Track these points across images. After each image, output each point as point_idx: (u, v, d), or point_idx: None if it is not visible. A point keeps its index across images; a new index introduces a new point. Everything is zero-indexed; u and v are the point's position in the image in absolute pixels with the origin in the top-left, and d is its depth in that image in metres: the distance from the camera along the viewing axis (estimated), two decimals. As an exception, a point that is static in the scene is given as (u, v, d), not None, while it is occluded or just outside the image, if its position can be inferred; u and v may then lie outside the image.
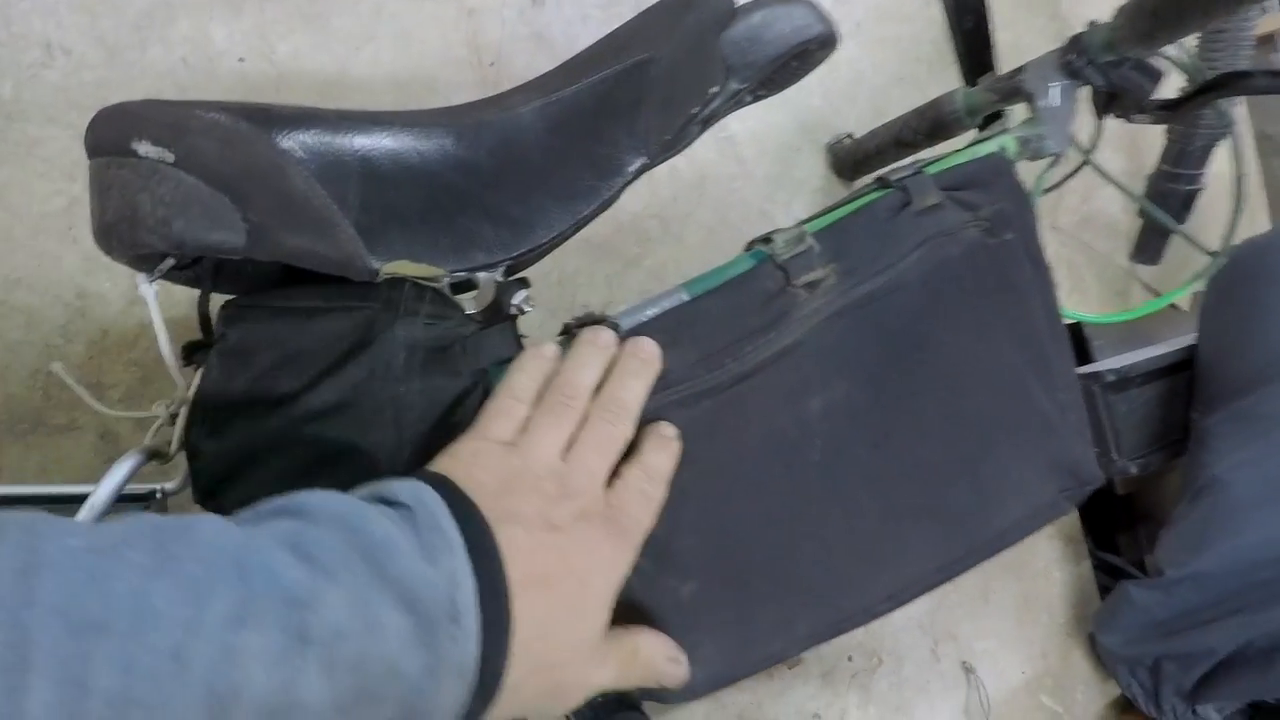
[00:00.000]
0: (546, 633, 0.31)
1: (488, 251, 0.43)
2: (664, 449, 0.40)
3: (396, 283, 0.42)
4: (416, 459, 0.40)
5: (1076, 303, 1.07)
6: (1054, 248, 1.05)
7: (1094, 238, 1.08)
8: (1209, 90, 0.60)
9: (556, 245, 0.47)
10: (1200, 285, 0.81)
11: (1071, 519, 1.04)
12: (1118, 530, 1.14)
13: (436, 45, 0.69)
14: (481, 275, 0.44)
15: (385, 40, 0.67)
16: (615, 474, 0.38)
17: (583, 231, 0.51)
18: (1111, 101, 0.66)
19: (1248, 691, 0.81)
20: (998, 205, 0.54)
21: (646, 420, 0.42)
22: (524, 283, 0.46)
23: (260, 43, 0.63)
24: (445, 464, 0.35)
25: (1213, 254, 0.81)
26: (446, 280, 0.42)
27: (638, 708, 0.48)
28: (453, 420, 0.42)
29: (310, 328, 0.41)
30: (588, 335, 0.41)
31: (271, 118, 0.37)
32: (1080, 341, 1.08)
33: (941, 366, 0.50)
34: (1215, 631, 0.81)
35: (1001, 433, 0.52)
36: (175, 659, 0.21)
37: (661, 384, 0.43)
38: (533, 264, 0.47)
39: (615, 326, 0.44)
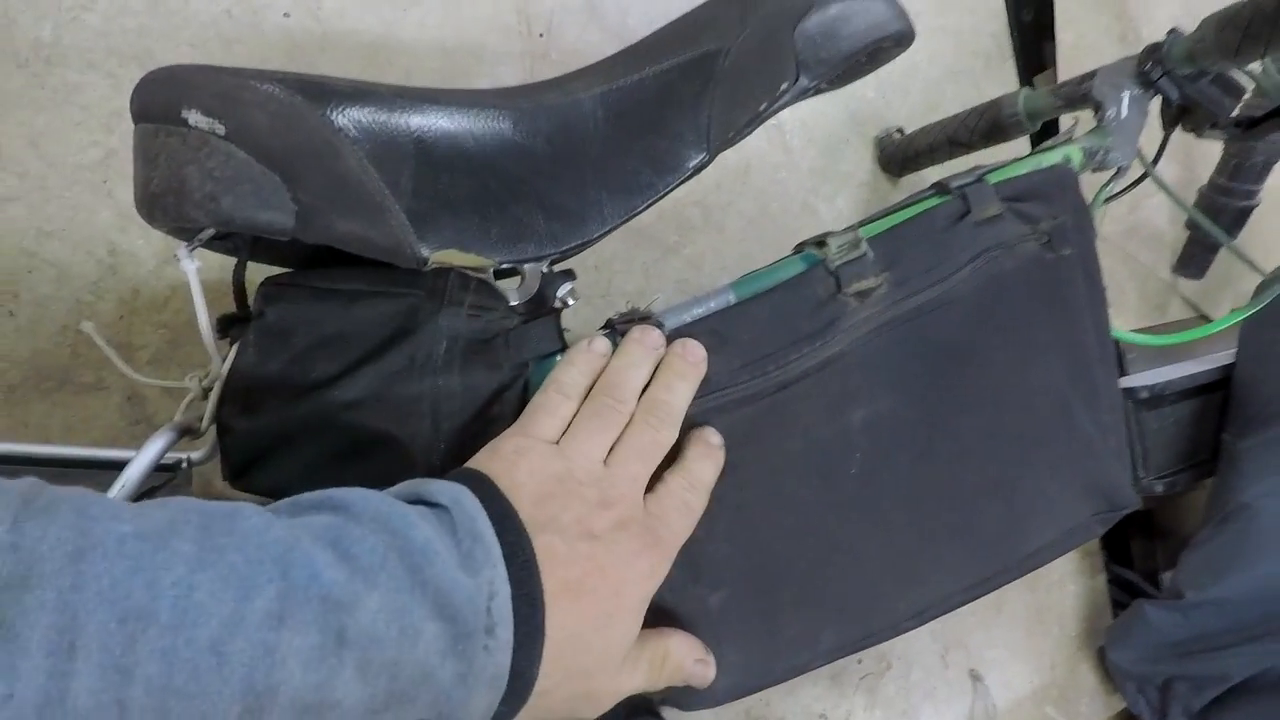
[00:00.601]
0: (579, 642, 0.31)
1: (538, 244, 0.41)
2: (708, 457, 0.40)
3: (442, 271, 0.41)
4: (452, 452, 0.40)
5: (1115, 313, 1.04)
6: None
7: (1138, 248, 1.05)
8: (1293, 112, 0.57)
9: (604, 238, 0.45)
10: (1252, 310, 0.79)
11: (1090, 532, 1.03)
12: (1135, 544, 1.13)
13: (486, 11, 0.67)
14: (528, 266, 0.43)
15: (434, 3, 0.64)
16: (657, 478, 0.38)
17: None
18: (1184, 115, 0.63)
19: (1259, 717, 0.81)
20: (1059, 219, 0.52)
21: (688, 425, 0.41)
22: (570, 274, 0.44)
23: (306, -1, 0.61)
24: (487, 461, 0.34)
25: (1269, 279, 0.79)
26: (492, 269, 0.41)
27: (655, 712, 0.48)
28: (490, 414, 0.41)
29: (351, 312, 0.40)
30: (637, 334, 0.40)
31: (327, 92, 0.35)
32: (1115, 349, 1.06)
33: (987, 384, 0.49)
34: (1232, 657, 0.81)
35: (1041, 453, 0.51)
36: (215, 653, 0.22)
37: (704, 388, 0.42)
38: (577, 255, 0.46)
39: (660, 325, 0.42)
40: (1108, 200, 0.81)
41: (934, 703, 0.85)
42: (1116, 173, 0.65)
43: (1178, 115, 0.64)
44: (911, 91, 0.91)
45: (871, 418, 0.47)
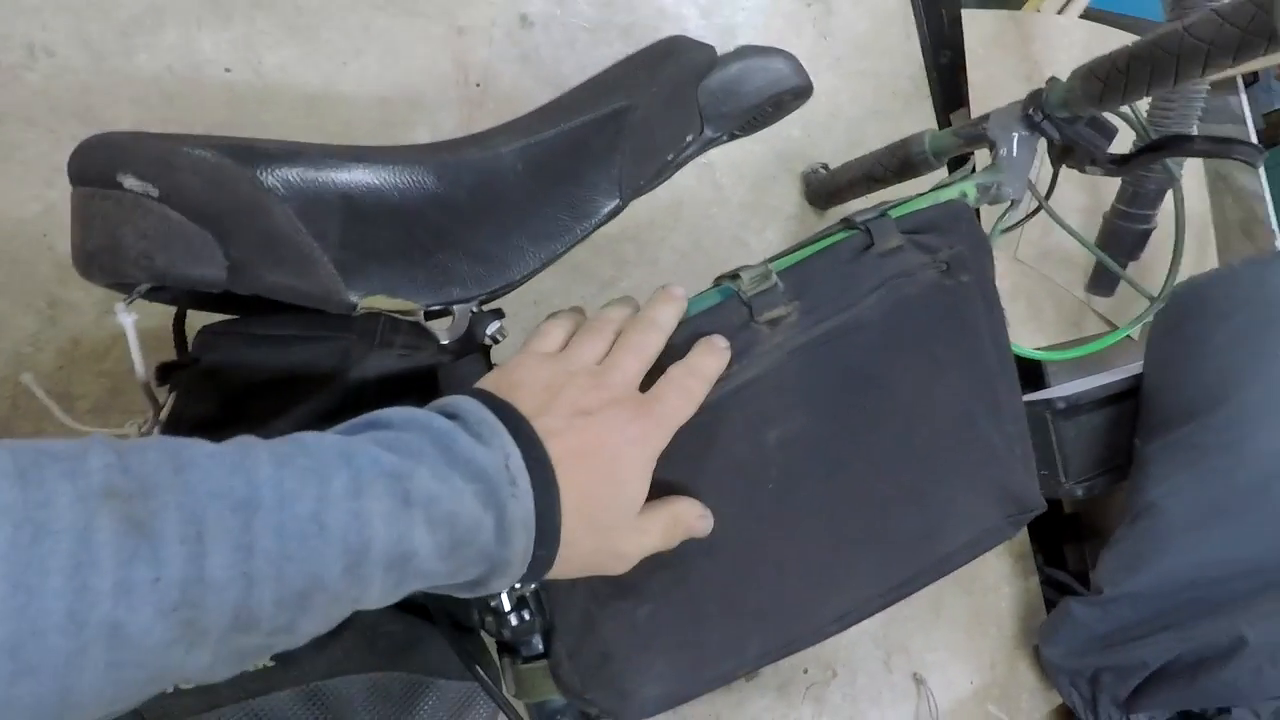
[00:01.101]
0: (591, 497, 0.36)
1: (464, 287, 0.44)
2: (711, 353, 0.44)
3: (373, 314, 0.43)
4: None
5: (1034, 330, 1.11)
6: (1014, 278, 1.09)
7: (1053, 269, 1.12)
8: (1154, 150, 0.63)
9: (529, 279, 0.48)
10: (1142, 326, 0.85)
11: (1021, 537, 1.08)
12: (1065, 545, 1.19)
13: (423, 63, 0.70)
14: (457, 307, 0.45)
15: (373, 56, 0.68)
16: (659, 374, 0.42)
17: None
18: (1066, 153, 0.69)
19: (1176, 702, 0.86)
20: (956, 249, 0.57)
21: None
22: (498, 313, 0.47)
23: (248, 53, 0.63)
24: (490, 376, 0.40)
25: (1152, 299, 0.85)
26: (421, 311, 0.44)
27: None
28: None
29: (285, 355, 0.42)
30: (616, 300, 0.45)
31: (256, 155, 0.38)
32: (1036, 368, 1.12)
33: (895, 401, 0.52)
34: (1148, 646, 0.86)
35: (950, 464, 0.55)
36: (316, 522, 0.26)
37: None
38: (505, 295, 0.49)
39: None
40: (1005, 230, 0.87)
41: (879, 707, 0.88)
42: (1011, 205, 0.70)
43: (1061, 153, 0.69)
44: (835, 130, 0.96)
45: (786, 436, 0.50)
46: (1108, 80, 0.58)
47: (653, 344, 0.42)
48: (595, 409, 0.37)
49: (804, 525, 0.50)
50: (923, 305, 0.54)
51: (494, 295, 0.46)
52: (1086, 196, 1.17)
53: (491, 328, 0.47)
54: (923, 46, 1.05)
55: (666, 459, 0.49)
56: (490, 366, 0.48)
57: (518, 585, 0.37)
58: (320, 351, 0.42)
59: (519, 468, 0.33)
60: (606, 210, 0.47)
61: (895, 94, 1.01)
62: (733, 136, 0.57)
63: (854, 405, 0.52)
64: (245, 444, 0.28)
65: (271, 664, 0.40)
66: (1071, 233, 0.80)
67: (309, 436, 0.30)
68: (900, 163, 0.79)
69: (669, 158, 0.47)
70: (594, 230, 0.48)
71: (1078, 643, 0.94)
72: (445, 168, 0.43)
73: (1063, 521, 1.15)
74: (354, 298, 0.40)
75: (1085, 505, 1.15)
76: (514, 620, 0.47)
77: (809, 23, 0.94)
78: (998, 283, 1.01)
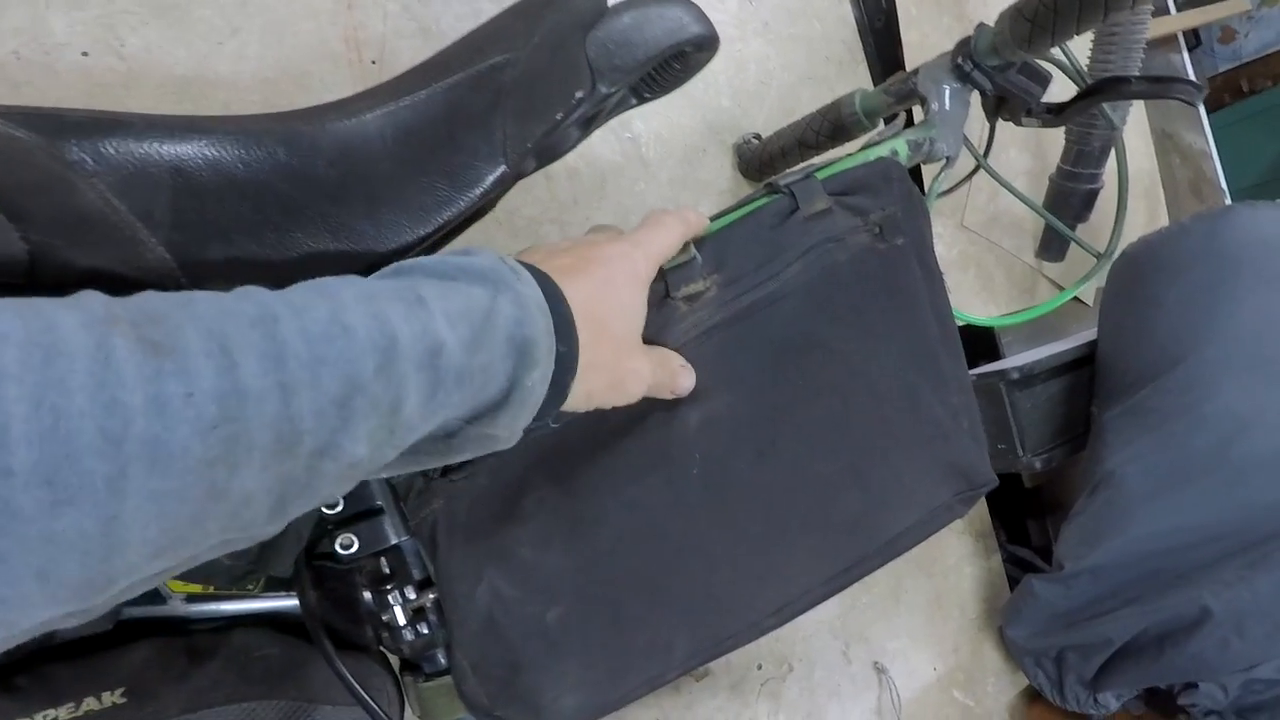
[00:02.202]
0: (594, 301, 0.36)
1: (330, 266, 0.39)
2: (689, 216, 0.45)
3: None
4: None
5: (985, 300, 1.08)
6: (962, 246, 1.07)
7: (1001, 236, 1.10)
8: (1089, 95, 0.60)
9: (426, 250, 0.44)
10: (1091, 286, 0.83)
11: (981, 515, 1.06)
12: (1028, 521, 1.17)
13: (311, 40, 0.65)
14: None
15: (253, 33, 0.62)
16: None
17: (475, 234, 0.48)
18: (1001, 105, 0.66)
19: (1142, 678, 0.84)
20: (888, 210, 0.53)
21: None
22: None
23: (107, 35, 0.57)
24: None
25: (1098, 256, 0.83)
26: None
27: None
28: None
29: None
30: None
31: (61, 125, 0.33)
32: (990, 339, 1.10)
33: (829, 375, 0.49)
34: (1112, 622, 0.84)
35: (892, 440, 0.51)
36: (338, 324, 0.26)
37: None
38: None
39: None
40: (944, 192, 0.84)
41: (839, 700, 0.85)
42: (946, 163, 0.67)
43: (996, 105, 0.66)
44: (767, 99, 0.93)
45: (710, 417, 0.46)
46: (1035, 19, 0.54)
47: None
48: (576, 242, 0.39)
49: (734, 511, 0.47)
50: (854, 272, 0.51)
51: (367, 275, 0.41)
52: (1032, 159, 1.15)
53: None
54: (855, 8, 1.02)
55: (573, 453, 0.45)
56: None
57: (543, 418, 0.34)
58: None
59: (515, 265, 0.33)
60: (491, 178, 0.43)
61: (829, 59, 0.98)
62: (642, 99, 0.53)
63: (784, 381, 0.48)
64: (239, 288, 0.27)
65: (123, 700, 0.35)
66: (1011, 190, 0.77)
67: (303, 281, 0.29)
68: (833, 126, 0.76)
69: (558, 117, 0.43)
70: (481, 200, 0.43)
71: (1041, 622, 0.91)
72: (299, 137, 0.39)
73: (1024, 496, 1.13)
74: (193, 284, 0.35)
75: (1047, 479, 1.13)
76: (409, 635, 0.43)
77: (735, -12, 0.90)
78: (945, 251, 0.98)
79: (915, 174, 0.95)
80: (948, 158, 0.67)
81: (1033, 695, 1.05)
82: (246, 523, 0.25)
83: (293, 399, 0.24)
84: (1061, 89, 0.71)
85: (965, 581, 1.00)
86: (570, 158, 0.79)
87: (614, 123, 0.82)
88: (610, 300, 0.37)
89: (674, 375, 0.43)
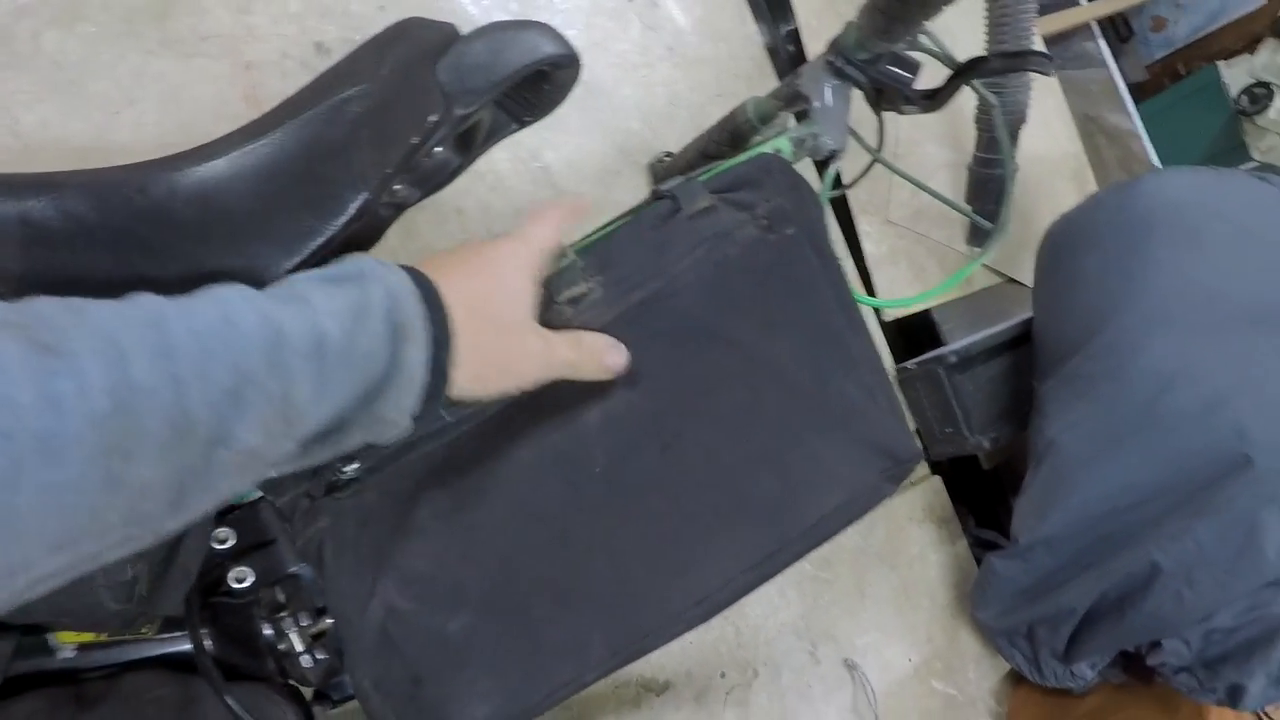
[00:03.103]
0: (475, 293, 0.37)
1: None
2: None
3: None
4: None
5: (920, 290, 1.10)
6: (891, 241, 1.09)
7: (930, 227, 1.13)
8: (956, 76, 0.63)
9: None
10: (983, 261, 0.85)
11: (942, 502, 1.06)
12: (997, 505, 1.17)
13: (210, 103, 0.67)
14: None
15: (149, 102, 0.65)
16: None
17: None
18: (880, 96, 0.68)
19: (1110, 644, 0.83)
20: (774, 202, 0.55)
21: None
22: None
23: (1, 115, 0.59)
24: None
25: (991, 227, 0.85)
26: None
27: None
28: None
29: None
30: None
31: (-93, 189, 0.34)
32: (931, 329, 1.12)
33: (731, 365, 0.50)
34: (1072, 591, 0.83)
35: (806, 424, 0.52)
36: (226, 322, 0.27)
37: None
38: None
39: None
40: (848, 186, 0.87)
41: (810, 702, 0.84)
42: (834, 156, 0.69)
43: (876, 97, 0.69)
44: (677, 119, 0.96)
45: (609, 415, 0.47)
46: (888, 11, 0.57)
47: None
48: (462, 245, 0.40)
49: (642, 506, 0.47)
50: (747, 264, 0.52)
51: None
52: (951, 152, 1.18)
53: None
54: (760, 26, 1.06)
55: (468, 464, 0.46)
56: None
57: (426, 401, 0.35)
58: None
59: (386, 262, 0.35)
60: (354, 205, 0.44)
61: (737, 76, 1.01)
62: (522, 121, 0.55)
63: (684, 375, 0.49)
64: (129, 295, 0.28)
65: None
66: (908, 178, 0.79)
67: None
68: (731, 135, 0.78)
69: (414, 141, 0.45)
70: (348, 228, 0.45)
71: (1006, 600, 0.91)
72: (155, 182, 0.40)
73: (985, 480, 1.13)
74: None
75: (1005, 460, 1.14)
76: (308, 661, 0.43)
77: (634, 17, 0.94)
78: (874, 248, 1.00)
79: (839, 182, 0.98)
80: (834, 151, 0.69)
81: (1017, 678, 1.04)
82: (146, 515, 0.26)
83: (184, 391, 0.25)
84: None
85: (931, 570, 1.00)
86: (480, 192, 0.81)
87: (523, 154, 0.85)
88: (490, 286, 0.39)
89: (597, 353, 0.43)
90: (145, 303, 0.27)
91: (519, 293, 0.40)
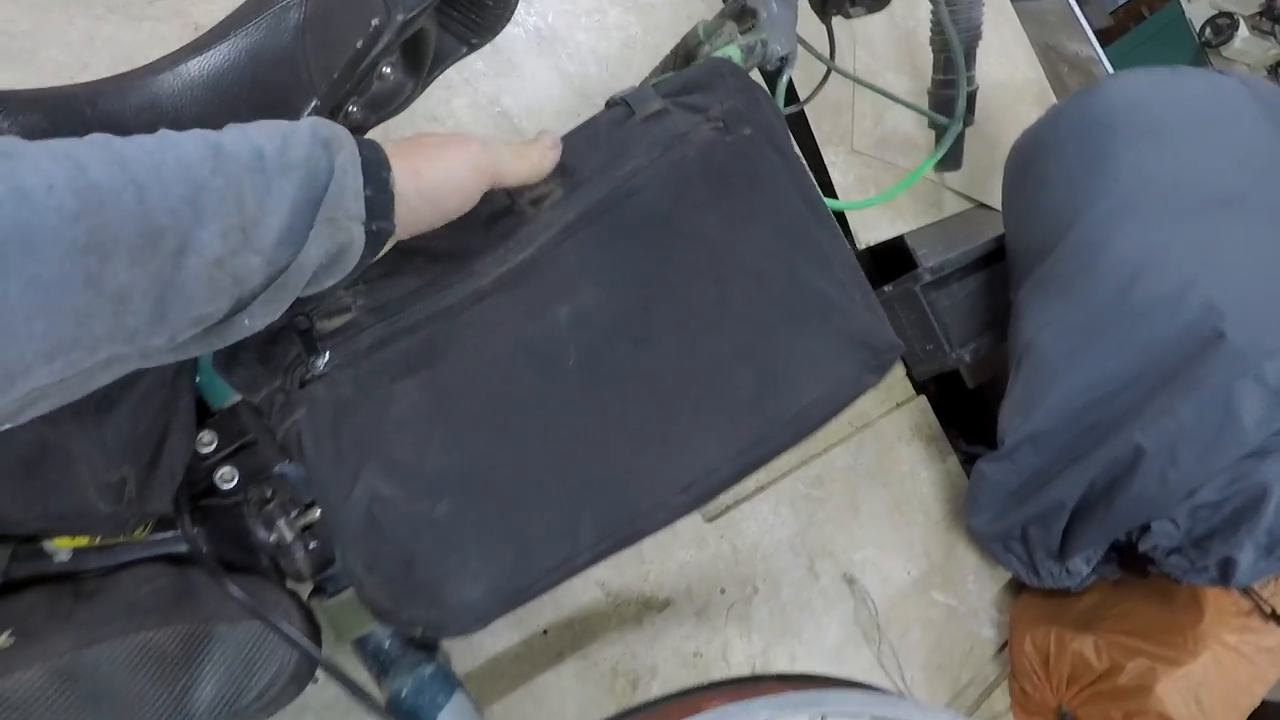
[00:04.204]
0: (406, 149, 0.37)
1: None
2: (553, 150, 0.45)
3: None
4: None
5: (893, 217, 1.11)
6: (858, 170, 1.10)
7: (896, 155, 1.14)
8: (895, -30, 0.64)
9: None
10: (941, 154, 0.87)
11: (929, 421, 1.07)
12: (985, 422, 1.18)
13: (165, 63, 0.68)
14: None
15: (103, 65, 0.65)
16: None
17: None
18: (826, 3, 0.69)
19: (1101, 533, 0.84)
20: (727, 104, 0.56)
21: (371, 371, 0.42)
22: None
23: (-42, 86, 0.60)
24: None
25: (946, 123, 0.86)
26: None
27: (432, 647, 0.46)
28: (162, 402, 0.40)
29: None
30: None
31: None
32: (905, 254, 1.13)
33: (698, 261, 0.50)
34: (1060, 485, 0.85)
35: (781, 319, 0.52)
36: (165, 139, 0.29)
37: (385, 312, 0.43)
38: None
39: None
40: (804, 102, 0.88)
41: (812, 615, 0.85)
42: (785, 62, 0.70)
43: (822, 3, 0.70)
44: (633, 60, 0.96)
45: (578, 312, 0.48)
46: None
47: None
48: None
49: (619, 397, 0.47)
50: (705, 165, 0.53)
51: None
52: (910, 80, 1.19)
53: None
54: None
55: (443, 357, 0.46)
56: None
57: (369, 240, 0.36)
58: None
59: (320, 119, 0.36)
60: (305, 110, 0.45)
61: (691, 17, 1.02)
62: (469, 44, 0.56)
63: (651, 272, 0.50)
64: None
65: (10, 642, 0.36)
66: (865, 84, 0.80)
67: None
68: (683, 59, 0.79)
69: (359, 45, 0.45)
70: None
71: (997, 504, 0.92)
72: (104, 94, 0.41)
73: (970, 399, 1.14)
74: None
75: (987, 379, 1.15)
76: (299, 551, 0.44)
77: (582, -38, 0.94)
78: (841, 178, 1.01)
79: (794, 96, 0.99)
80: (784, 57, 0.70)
81: (1016, 587, 1.05)
82: (131, 329, 0.27)
83: (145, 194, 0.27)
84: None
85: (923, 486, 1.01)
86: (444, 137, 0.82)
87: (481, 100, 0.86)
88: (428, 154, 0.39)
89: (533, 154, 0.43)
90: (89, 137, 0.28)
91: (454, 167, 0.40)
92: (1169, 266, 0.81)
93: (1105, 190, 0.87)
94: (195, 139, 0.30)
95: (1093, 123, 0.93)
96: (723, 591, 0.80)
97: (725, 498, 0.85)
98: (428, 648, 0.46)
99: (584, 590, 0.73)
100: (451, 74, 0.87)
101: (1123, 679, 0.84)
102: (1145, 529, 0.82)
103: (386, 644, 0.45)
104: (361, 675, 0.46)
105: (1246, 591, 0.94)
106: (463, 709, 0.42)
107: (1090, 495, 0.84)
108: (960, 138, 1.15)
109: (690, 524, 0.81)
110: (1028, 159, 1.01)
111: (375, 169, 0.36)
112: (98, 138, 0.28)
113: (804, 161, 0.59)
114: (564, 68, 0.91)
